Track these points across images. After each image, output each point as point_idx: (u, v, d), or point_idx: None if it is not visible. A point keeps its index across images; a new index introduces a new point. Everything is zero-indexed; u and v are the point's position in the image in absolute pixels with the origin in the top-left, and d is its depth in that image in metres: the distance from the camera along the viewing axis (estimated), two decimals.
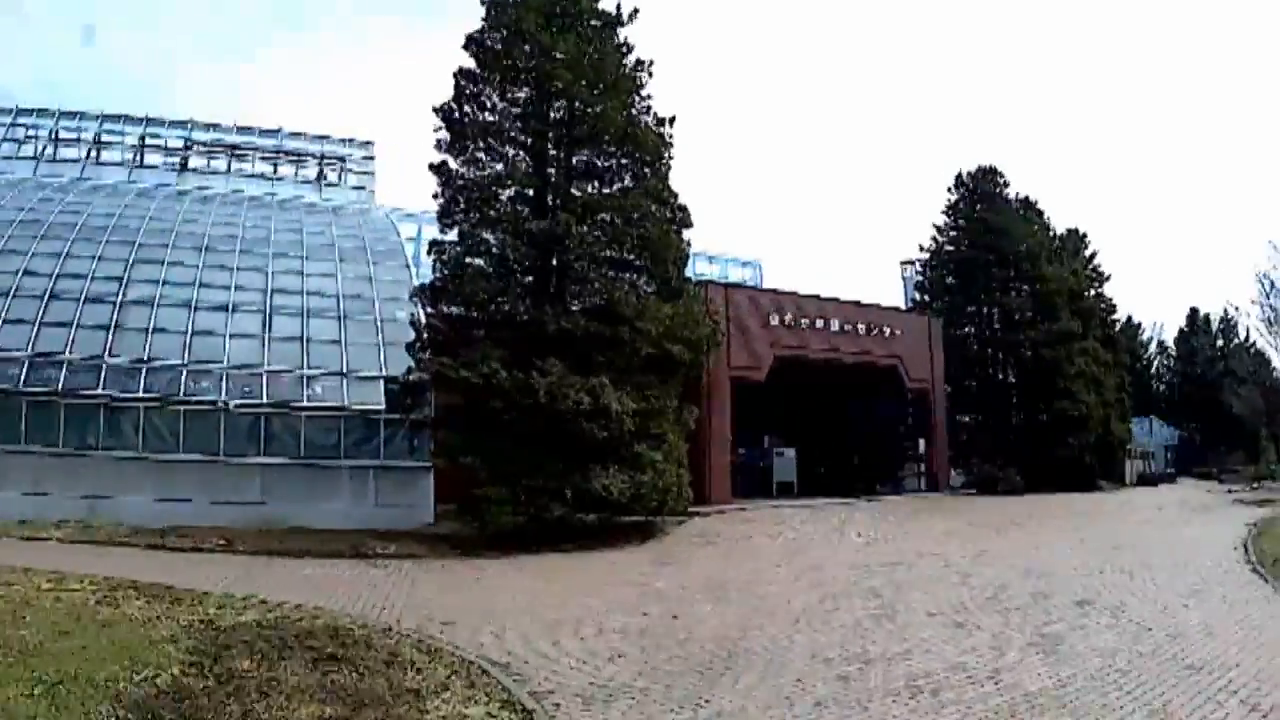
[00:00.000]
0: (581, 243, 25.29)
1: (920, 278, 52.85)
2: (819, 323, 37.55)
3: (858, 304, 39.92)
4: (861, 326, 39.36)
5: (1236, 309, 79.28)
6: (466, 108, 26.46)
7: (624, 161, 27.08)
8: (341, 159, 42.48)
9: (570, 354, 24.10)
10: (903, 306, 48.66)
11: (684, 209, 27.60)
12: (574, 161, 26.85)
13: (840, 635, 12.95)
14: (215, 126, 42.39)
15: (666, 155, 27.47)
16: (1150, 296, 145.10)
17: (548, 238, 25.17)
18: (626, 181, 26.97)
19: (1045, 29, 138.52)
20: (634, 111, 26.87)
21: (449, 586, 18.12)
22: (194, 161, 40.59)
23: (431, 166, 26.33)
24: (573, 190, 26.37)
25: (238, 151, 41.39)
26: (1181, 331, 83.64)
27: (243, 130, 42.93)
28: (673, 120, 27.43)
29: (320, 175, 41.73)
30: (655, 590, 17.30)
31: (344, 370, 28.48)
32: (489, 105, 26.73)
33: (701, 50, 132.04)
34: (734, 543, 24.80)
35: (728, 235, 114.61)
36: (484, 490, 23.11)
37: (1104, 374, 49.71)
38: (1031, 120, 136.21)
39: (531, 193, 26.41)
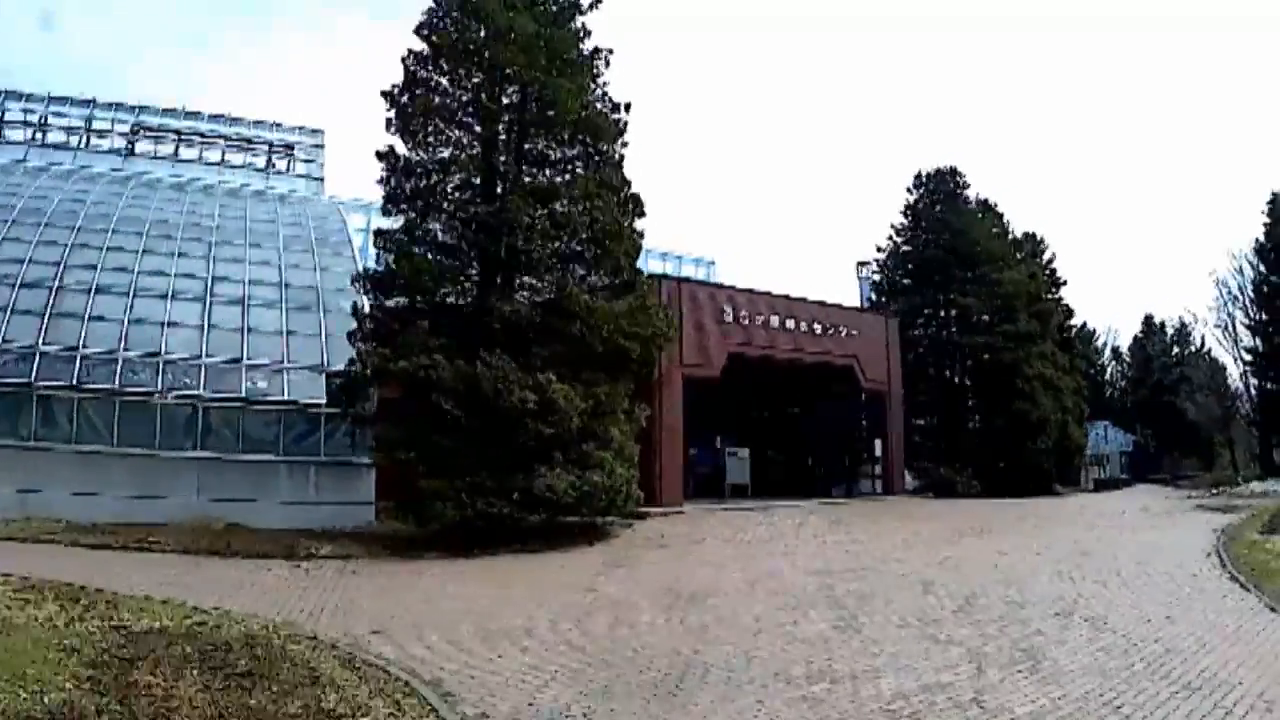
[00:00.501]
0: (531, 230, 24.16)
1: (877, 277, 51.96)
2: (774, 320, 36.48)
3: (814, 302, 38.86)
4: (818, 325, 38.30)
5: (1194, 316, 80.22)
6: (416, 91, 25.42)
7: (577, 149, 26.24)
8: (291, 147, 41.72)
9: (517, 348, 23.16)
10: (859, 307, 47.60)
11: (637, 199, 26.71)
12: (525, 148, 25.82)
13: (803, 649, 11.81)
14: (164, 111, 41.21)
15: (621, 143, 26.63)
16: (1103, 304, 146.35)
17: (495, 224, 24.09)
18: (579, 170, 26.01)
19: (1003, 35, 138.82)
20: (590, 98, 25.90)
21: (383, 590, 17.14)
22: (141, 146, 39.60)
23: (378, 153, 25.36)
24: (523, 177, 25.34)
25: (185, 137, 40.44)
26: (1136, 338, 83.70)
27: (191, 115, 41.52)
28: (628, 107, 26.59)
29: (269, 163, 40.92)
30: (604, 597, 16.21)
31: (285, 362, 27.69)
32: (439, 89, 25.70)
33: (657, 48, 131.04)
34: (687, 546, 23.61)
35: (682, 234, 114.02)
36: (422, 486, 22.04)
37: (1061, 378, 49.17)
38: (987, 128, 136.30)
39: (480, 180, 25.27)
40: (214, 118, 41.85)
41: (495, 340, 22.96)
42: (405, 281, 24.64)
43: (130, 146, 39.32)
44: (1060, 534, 26.35)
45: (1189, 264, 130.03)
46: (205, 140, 40.74)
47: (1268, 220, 61.88)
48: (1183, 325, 79.15)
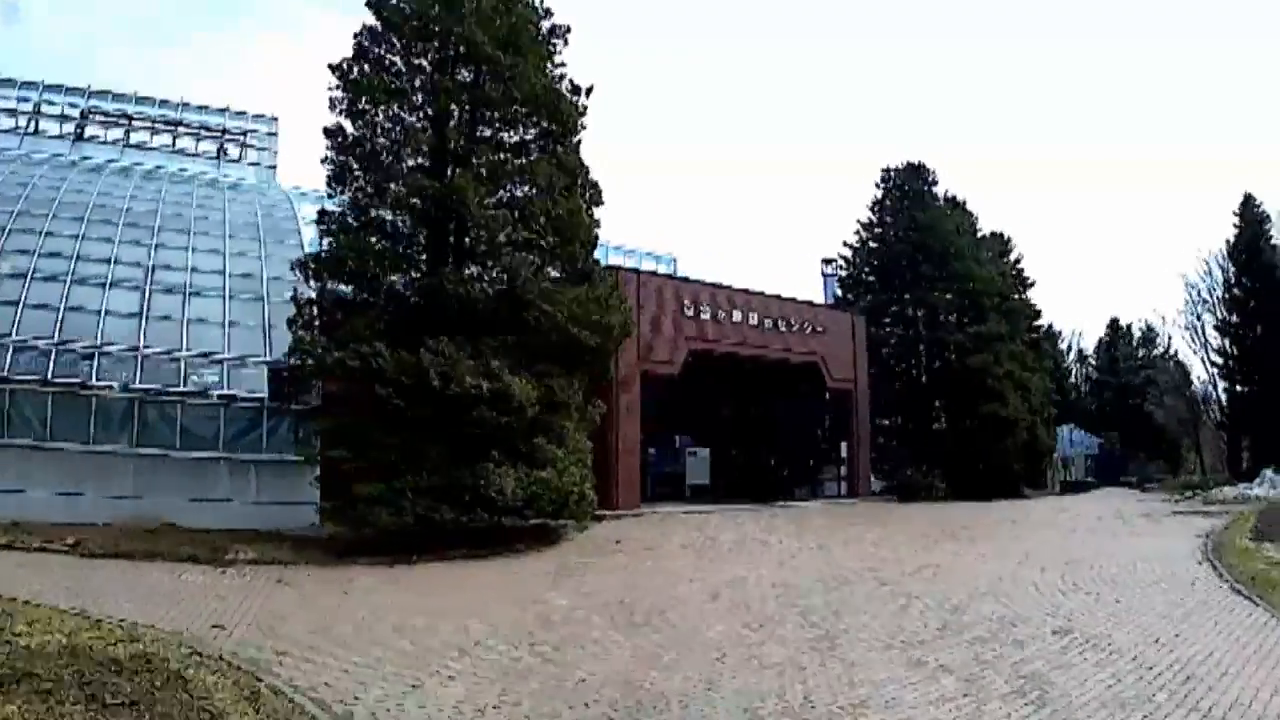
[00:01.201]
0: (482, 211, 22.59)
1: (843, 273, 50.50)
2: (737, 316, 35.03)
3: (779, 298, 37.44)
4: (782, 322, 36.92)
5: (1162, 318, 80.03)
6: (366, 67, 23.87)
7: (534, 133, 24.83)
8: (244, 134, 40.77)
9: (467, 336, 21.55)
10: (826, 304, 46.08)
11: (596, 186, 25.45)
12: (479, 130, 24.38)
13: (774, 677, 10.23)
14: (115, 96, 40.02)
15: (580, 127, 25.26)
16: (1067, 307, 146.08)
17: (443, 204, 22.60)
18: (536, 154, 24.48)
19: (968, 37, 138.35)
20: (548, 79, 24.49)
21: (308, 601, 15.47)
22: (91, 131, 38.48)
23: (326, 130, 23.88)
24: (475, 158, 23.70)
25: (137, 122, 39.25)
26: (1101, 341, 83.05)
27: (143, 100, 40.40)
28: (589, 91, 25.34)
29: (221, 150, 40.06)
30: (551, 611, 14.60)
31: (226, 354, 26.44)
32: (390, 66, 24.23)
33: (619, 43, 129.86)
34: (643, 552, 21.99)
35: (642, 231, 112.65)
36: (358, 488, 20.38)
37: (1030, 379, 47.97)
38: (951, 130, 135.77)
39: (429, 161, 23.84)
40: (166, 104, 40.63)
41: (443, 328, 21.47)
42: (348, 265, 23.10)
43: (80, 131, 38.11)
44: (1039, 540, 24.98)
45: (1152, 268, 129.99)
46: (156, 126, 39.60)
47: (1239, 223, 61.37)
48: (1149, 328, 78.87)
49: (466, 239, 23.21)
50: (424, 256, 23.76)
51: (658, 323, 32.13)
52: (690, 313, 33.27)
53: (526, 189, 23.80)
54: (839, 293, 49.40)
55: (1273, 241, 60.20)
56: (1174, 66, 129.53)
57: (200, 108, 40.98)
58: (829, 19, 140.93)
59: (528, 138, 24.78)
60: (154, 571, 17.79)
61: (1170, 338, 73.22)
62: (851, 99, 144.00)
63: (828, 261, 51.21)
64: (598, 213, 25.31)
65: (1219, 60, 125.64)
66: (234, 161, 39.74)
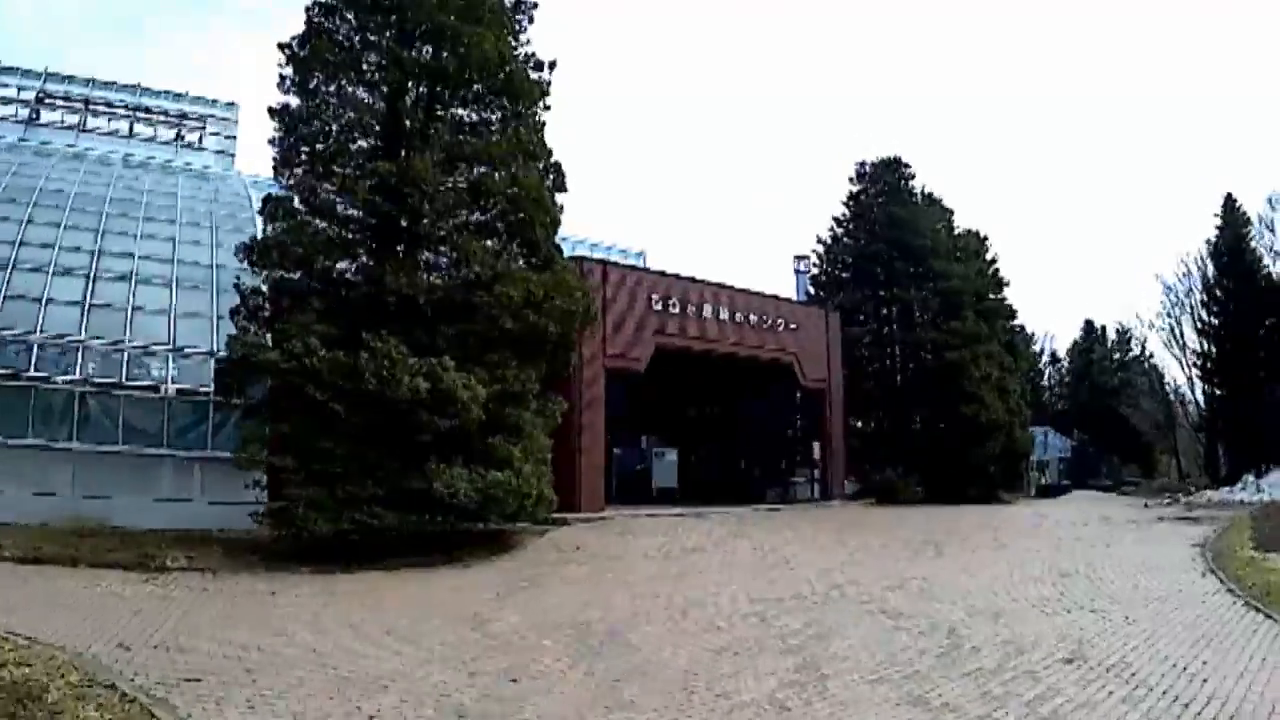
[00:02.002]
0: (437, 194, 21.00)
1: (816, 270, 48.96)
2: (708, 310, 33.43)
3: (751, 292, 35.88)
4: (754, 317, 35.35)
5: (1140, 320, 79.42)
6: (318, 42, 22.11)
7: (496, 115, 23.32)
8: (202, 120, 39.54)
9: (416, 328, 20.15)
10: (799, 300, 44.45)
11: (559, 168, 23.90)
12: (437, 110, 22.83)
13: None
14: (70, 79, 38.58)
15: (543, 106, 23.82)
16: (1039, 309, 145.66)
17: (396, 187, 20.90)
18: (495, 138, 22.80)
19: (936, 35, 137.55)
20: (510, 55, 22.93)
21: (230, 616, 13.92)
22: (46, 115, 37.14)
23: (271, 109, 22.35)
24: (431, 139, 22.24)
25: (93, 106, 38.04)
26: (1075, 343, 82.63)
27: (100, 85, 39.00)
28: (553, 65, 23.97)
29: (178, 136, 38.74)
30: (498, 632, 12.96)
31: (172, 345, 25.50)
32: (344, 42, 22.65)
33: (590, 35, 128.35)
34: (605, 561, 20.35)
35: (610, 226, 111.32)
36: (293, 492, 18.98)
37: (1007, 379, 46.58)
38: (923, 131, 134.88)
39: (383, 142, 22.30)
40: (123, 88, 39.38)
41: (390, 320, 19.99)
42: (293, 253, 21.40)
43: (35, 114, 36.76)
44: (1026, 549, 23.48)
45: (1125, 270, 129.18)
46: (114, 111, 38.38)
47: (1220, 224, 60.51)
48: (1124, 330, 78.26)
49: (423, 222, 21.55)
50: (373, 244, 22.17)
51: (624, 316, 30.56)
52: (659, 306, 31.68)
53: (485, 169, 22.25)
54: (811, 290, 47.83)
55: (1252, 244, 59.32)
56: (1144, 66, 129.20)
57: (158, 93, 39.76)
58: (803, 15, 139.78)
59: (489, 118, 23.29)
60: (72, 579, 16.58)
61: (1146, 340, 72.65)
62: (821, 96, 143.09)
63: (800, 258, 49.58)
64: (561, 198, 23.87)
65: (1193, 61, 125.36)
66: (191, 148, 38.51)
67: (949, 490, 40.16)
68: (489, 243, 22.20)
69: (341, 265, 21.98)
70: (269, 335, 20.78)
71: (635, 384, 32.69)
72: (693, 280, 33.40)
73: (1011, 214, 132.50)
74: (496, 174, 21.83)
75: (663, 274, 33.01)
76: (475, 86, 22.73)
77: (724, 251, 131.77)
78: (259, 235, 22.66)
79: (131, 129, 38.14)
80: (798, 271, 48.98)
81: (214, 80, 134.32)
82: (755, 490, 37.12)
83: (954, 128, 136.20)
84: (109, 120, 38.03)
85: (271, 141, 22.34)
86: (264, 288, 22.03)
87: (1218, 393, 59.93)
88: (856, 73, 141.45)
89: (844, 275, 48.66)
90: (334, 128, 22.44)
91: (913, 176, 49.09)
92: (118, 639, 11.66)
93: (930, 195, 49.73)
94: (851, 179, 49.77)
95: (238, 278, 22.78)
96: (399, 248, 21.75)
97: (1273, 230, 58.51)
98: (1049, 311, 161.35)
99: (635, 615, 14.05)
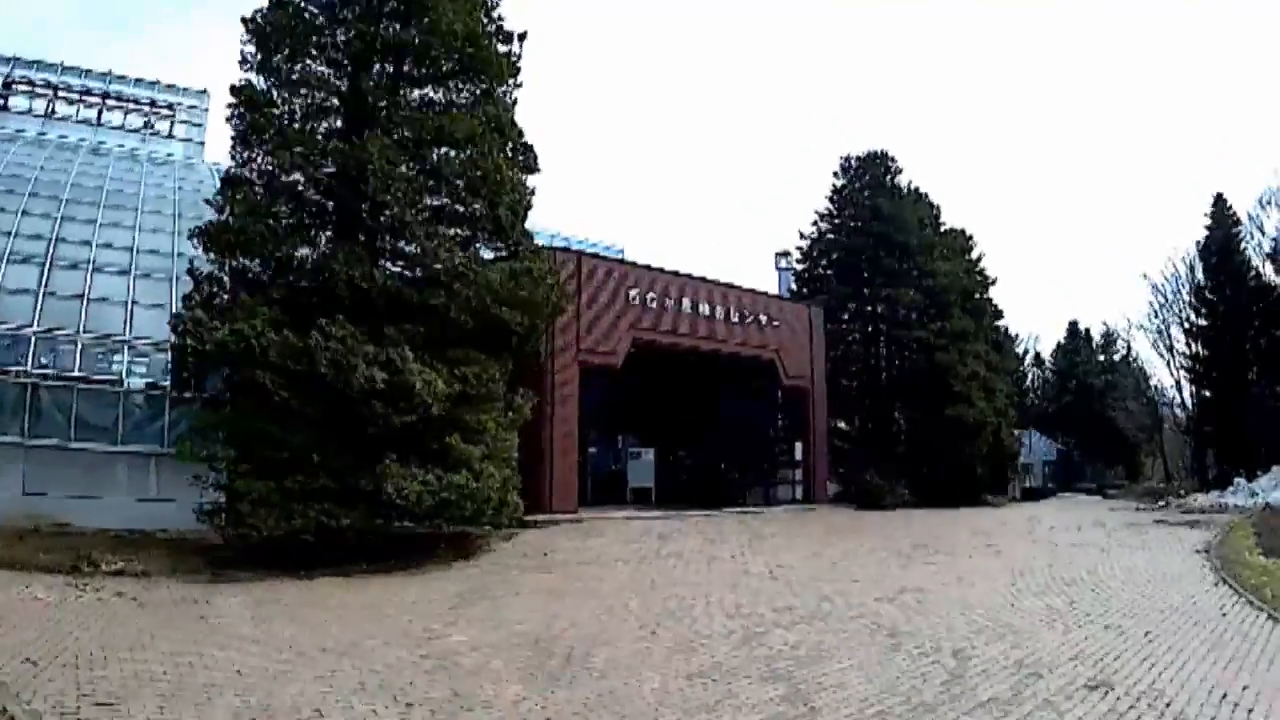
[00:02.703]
0: (394, 177, 19.46)
1: (799, 266, 47.46)
2: (686, 305, 31.92)
3: (732, 286, 34.32)
4: (735, 312, 33.85)
5: (1128, 321, 78.66)
6: (279, 14, 20.90)
7: (462, 91, 21.94)
8: (172, 108, 38.24)
9: (371, 319, 18.64)
10: (782, 295, 42.92)
11: (529, 149, 22.50)
12: (400, 89, 21.40)
13: None
14: (39, 64, 37.37)
15: (513, 83, 22.42)
16: (1022, 310, 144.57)
17: (355, 170, 19.40)
18: (460, 115, 21.21)
19: (917, 32, 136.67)
20: (480, 28, 21.55)
21: (153, 631, 12.22)
22: (14, 102, 35.83)
23: (233, 87, 20.77)
24: (392, 119, 20.72)
25: (62, 93, 36.75)
26: (1059, 345, 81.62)
27: (68, 71, 37.60)
28: (523, 37, 22.56)
29: (147, 124, 37.41)
30: (448, 651, 11.42)
31: (130, 336, 24.11)
32: (309, 16, 21.29)
33: (566, 27, 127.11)
34: (574, 569, 18.85)
35: (587, 223, 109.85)
36: (240, 486, 17.63)
37: (995, 380, 45.26)
38: (904, 131, 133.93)
39: (344, 125, 20.88)
40: (91, 74, 38.11)
41: (346, 313, 18.46)
42: (248, 238, 19.79)
43: (3, 101, 35.56)
44: (1022, 555, 22.16)
45: (1108, 272, 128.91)
46: (82, 98, 37.14)
47: (1210, 223, 59.54)
48: (1109, 332, 77.27)
49: (383, 211, 19.94)
50: (331, 231, 20.75)
51: (600, 309, 29.03)
52: (636, 300, 30.18)
53: (449, 149, 20.79)
54: (794, 287, 46.35)
55: (1242, 245, 58.31)
56: (1122, 68, 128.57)
57: (129, 80, 38.64)
58: (783, 12, 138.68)
59: (458, 100, 21.88)
60: None
61: (1130, 342, 71.84)
62: (804, 94, 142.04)
63: (782, 254, 48.06)
64: (534, 182, 22.53)
65: (1173, 62, 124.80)
66: (160, 136, 37.27)
67: (936, 493, 38.86)
68: (454, 231, 20.76)
69: (302, 253, 20.42)
70: (203, 317, 19.13)
71: (611, 381, 31.15)
72: (672, 274, 31.90)
73: (993, 215, 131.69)
74: (460, 154, 20.32)
75: (640, 266, 31.43)
76: (443, 64, 21.35)
77: (705, 249, 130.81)
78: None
79: (100, 116, 36.94)
80: (779, 268, 47.47)
81: (198, 71, 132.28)
82: (735, 492, 35.56)
83: (933, 130, 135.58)
84: (78, 108, 36.86)
85: (229, 119, 20.83)
86: (222, 275, 20.43)
87: (1205, 395, 58.76)
88: (837, 71, 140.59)
89: (827, 272, 47.14)
90: (296, 107, 21.00)
91: (899, 171, 47.78)
92: (25, 653, 10.27)
93: (916, 190, 48.30)
94: (836, 173, 48.38)
95: (191, 263, 21.32)
96: (360, 236, 20.27)
97: (1263, 230, 57.48)
98: (1032, 314, 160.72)
99: (603, 632, 12.56)
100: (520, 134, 22.27)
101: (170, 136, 37.46)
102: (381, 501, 17.29)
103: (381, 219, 20.12)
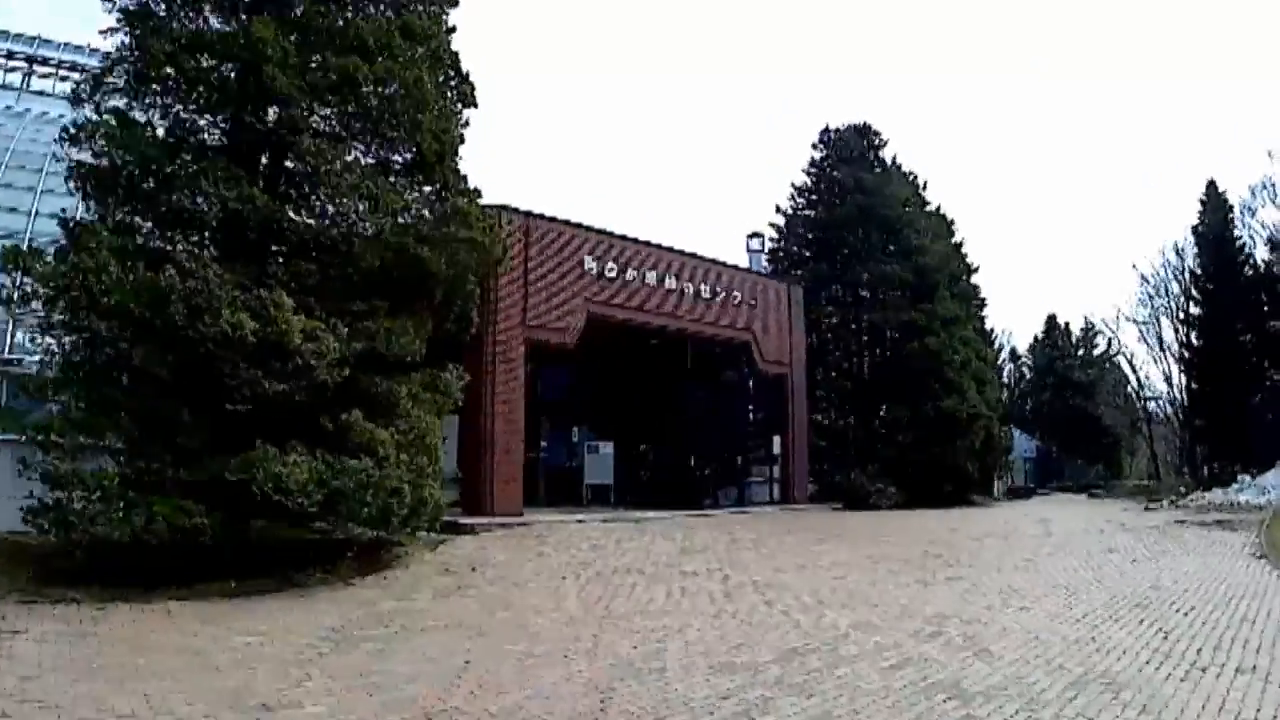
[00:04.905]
0: (285, 66, 15.16)
1: (774, 244, 43.42)
2: (651, 277, 27.81)
3: (702, 258, 30.18)
4: (706, 287, 29.75)
5: (1121, 314, 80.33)
6: None
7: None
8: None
9: (249, 256, 14.93)
10: (758, 271, 38.77)
11: (466, 78, 18.57)
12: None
13: None
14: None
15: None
16: (996, 303, 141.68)
17: (240, 52, 15.22)
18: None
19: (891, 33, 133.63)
20: None
21: None
22: None
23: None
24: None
25: None
26: (1037, 339, 78.32)
27: None
28: None
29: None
30: None
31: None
32: None
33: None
34: (507, 590, 14.50)
35: (544, 203, 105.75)
36: (61, 471, 13.56)
37: (985, 370, 41.48)
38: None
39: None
40: (20, 38, 36.99)
41: (218, 246, 14.82)
42: (114, 171, 15.48)
43: None
44: (1059, 566, 18.22)
45: (1082, 265, 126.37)
46: (10, 63, 36.60)
47: (1203, 210, 57.13)
48: (1089, 326, 74.48)
49: (282, 139, 15.77)
50: (222, 157, 16.21)
51: (550, 278, 24.81)
52: (591, 269, 26.03)
53: (358, 57, 16.40)
54: (768, 266, 42.33)
55: (1236, 231, 55.70)
56: (1084, 62, 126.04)
57: (57, 44, 37.17)
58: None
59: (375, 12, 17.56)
60: None
61: (1117, 335, 69.33)
62: (774, 76, 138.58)
63: (755, 235, 43.88)
64: (469, 116, 18.60)
65: (1129, 56, 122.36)
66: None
67: (926, 493, 35.07)
68: (368, 160, 16.70)
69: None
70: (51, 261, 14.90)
71: (567, 365, 27.50)
72: (634, 241, 27.75)
73: (962, 206, 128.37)
74: (372, 62, 16.17)
75: (597, 231, 27.00)
76: None
77: (669, 232, 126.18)
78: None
79: (28, 82, 36.19)
80: (751, 250, 43.23)
81: None
82: (705, 491, 31.35)
83: (892, 113, 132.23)
84: (5, 74, 36.30)
85: (103, 31, 16.30)
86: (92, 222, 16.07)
87: (1199, 387, 56.10)
88: (800, 52, 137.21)
89: (805, 252, 43.17)
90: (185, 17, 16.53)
91: (884, 144, 43.83)
92: None
93: (900, 167, 44.38)
94: (815, 144, 44.33)
95: (63, 213, 16.86)
96: (260, 158, 16.18)
97: (1253, 213, 55.32)
98: (1005, 308, 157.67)
99: (527, 703, 8.35)
100: (455, 56, 18.38)
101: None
102: (252, 496, 13.16)
103: (271, 131, 15.94)
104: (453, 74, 18.33)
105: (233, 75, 15.74)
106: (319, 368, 13.44)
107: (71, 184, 15.73)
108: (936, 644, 10.68)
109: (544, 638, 11.01)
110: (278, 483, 13.00)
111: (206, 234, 15.26)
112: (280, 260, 14.91)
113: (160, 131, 16.02)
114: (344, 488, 13.45)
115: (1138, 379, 67.02)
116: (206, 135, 16.37)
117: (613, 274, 26.63)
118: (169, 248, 14.46)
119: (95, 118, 15.80)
